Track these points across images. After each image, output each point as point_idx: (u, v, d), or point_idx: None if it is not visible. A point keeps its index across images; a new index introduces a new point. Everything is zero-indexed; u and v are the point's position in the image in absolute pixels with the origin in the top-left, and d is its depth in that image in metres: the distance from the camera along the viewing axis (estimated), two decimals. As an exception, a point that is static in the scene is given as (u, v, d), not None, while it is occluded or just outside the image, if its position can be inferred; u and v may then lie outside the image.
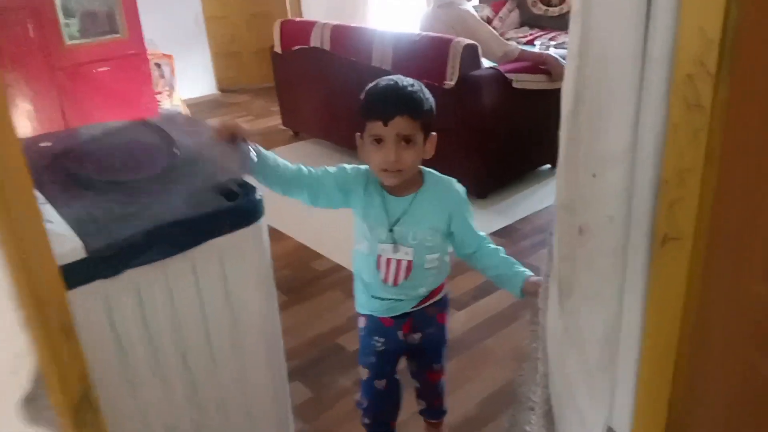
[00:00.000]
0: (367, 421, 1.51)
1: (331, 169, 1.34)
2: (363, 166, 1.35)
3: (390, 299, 1.36)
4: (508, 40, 3.62)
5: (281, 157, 1.30)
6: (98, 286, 1.03)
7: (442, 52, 2.92)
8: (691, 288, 0.90)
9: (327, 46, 3.65)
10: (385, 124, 1.19)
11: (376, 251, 1.31)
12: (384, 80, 1.25)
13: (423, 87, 1.26)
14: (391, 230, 1.30)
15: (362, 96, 1.26)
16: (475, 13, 3.38)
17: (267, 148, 1.28)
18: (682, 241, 0.90)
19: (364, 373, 1.46)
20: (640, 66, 0.87)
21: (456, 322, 2.17)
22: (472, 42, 2.92)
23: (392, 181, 1.26)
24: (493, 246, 1.36)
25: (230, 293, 1.16)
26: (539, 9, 4.87)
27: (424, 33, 3.21)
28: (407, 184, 1.30)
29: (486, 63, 3.05)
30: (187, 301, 1.11)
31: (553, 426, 1.21)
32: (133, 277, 1.05)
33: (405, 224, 1.29)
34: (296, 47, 3.87)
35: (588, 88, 0.93)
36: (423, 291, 1.37)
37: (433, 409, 1.61)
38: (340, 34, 3.61)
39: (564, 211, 1.03)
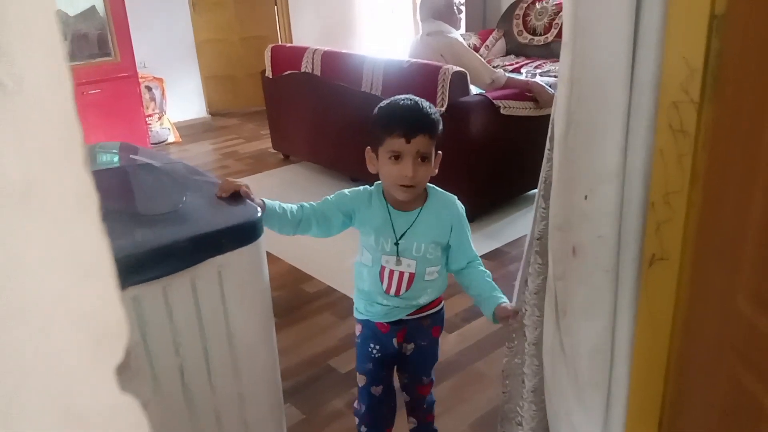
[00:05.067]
0: (364, 429, 1.54)
1: (330, 197, 1.40)
2: (361, 187, 1.40)
3: (388, 305, 1.40)
4: (495, 67, 3.70)
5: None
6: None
7: (432, 78, 2.98)
8: (679, 306, 0.92)
9: (317, 72, 3.70)
10: (408, 142, 1.25)
11: (380, 262, 1.36)
12: (402, 99, 1.31)
13: (435, 109, 1.33)
14: (396, 243, 1.35)
15: (380, 112, 1.30)
16: (463, 41, 3.45)
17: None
18: (669, 261, 0.93)
19: (361, 380, 1.49)
20: (629, 92, 0.91)
21: (447, 344, 2.18)
22: (461, 69, 2.98)
23: (405, 196, 1.31)
24: (482, 268, 1.42)
25: (229, 311, 1.17)
26: (524, 38, 4.98)
27: (414, 59, 3.28)
28: (413, 199, 1.35)
29: (474, 90, 3.11)
30: (186, 319, 1.12)
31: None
32: (134, 294, 1.06)
33: (410, 238, 1.35)
34: (287, 72, 3.93)
35: (579, 112, 0.96)
36: (422, 301, 1.42)
37: (425, 426, 1.62)
38: (330, 59, 3.67)
39: (558, 232, 1.06)
